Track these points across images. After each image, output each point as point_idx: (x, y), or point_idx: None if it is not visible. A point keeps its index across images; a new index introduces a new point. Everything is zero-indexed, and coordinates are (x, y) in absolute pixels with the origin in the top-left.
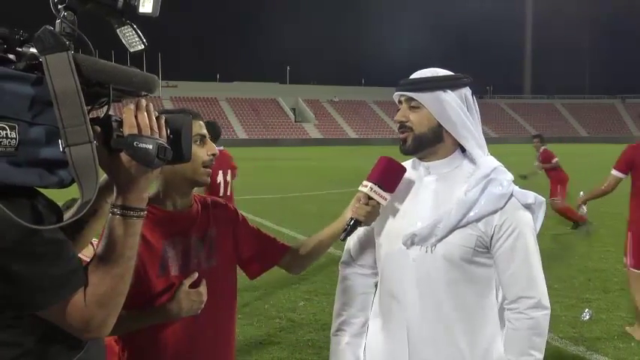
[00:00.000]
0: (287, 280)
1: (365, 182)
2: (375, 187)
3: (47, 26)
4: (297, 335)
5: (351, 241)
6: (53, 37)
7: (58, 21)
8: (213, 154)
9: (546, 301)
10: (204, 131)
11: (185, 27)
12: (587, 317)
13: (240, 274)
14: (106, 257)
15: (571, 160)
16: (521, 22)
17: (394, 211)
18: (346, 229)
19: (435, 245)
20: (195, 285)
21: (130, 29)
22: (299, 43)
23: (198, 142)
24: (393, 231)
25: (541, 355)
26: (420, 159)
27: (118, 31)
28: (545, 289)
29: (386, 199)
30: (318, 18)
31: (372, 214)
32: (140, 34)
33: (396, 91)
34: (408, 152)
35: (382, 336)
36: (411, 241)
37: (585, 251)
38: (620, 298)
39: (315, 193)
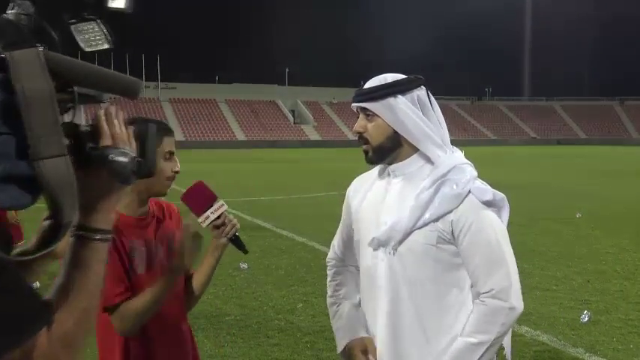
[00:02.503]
0: (286, 282)
1: (200, 219)
2: (209, 212)
3: (5, 15)
4: (296, 337)
5: (335, 240)
6: (16, 29)
7: (12, 11)
8: (177, 172)
9: (504, 295)
10: (174, 148)
11: (184, 28)
12: (586, 319)
13: (231, 279)
14: (69, 288)
15: (569, 162)
16: (520, 24)
17: (366, 215)
18: (237, 246)
19: (397, 247)
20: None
21: (93, 24)
22: (298, 44)
23: (167, 158)
24: (364, 234)
25: (485, 340)
26: (386, 164)
27: (72, 27)
28: (507, 283)
29: (220, 207)
30: (317, 20)
31: (231, 222)
32: (105, 30)
33: (352, 102)
34: (372, 162)
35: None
36: (377, 243)
37: (584, 253)
38: (620, 300)
39: (313, 195)
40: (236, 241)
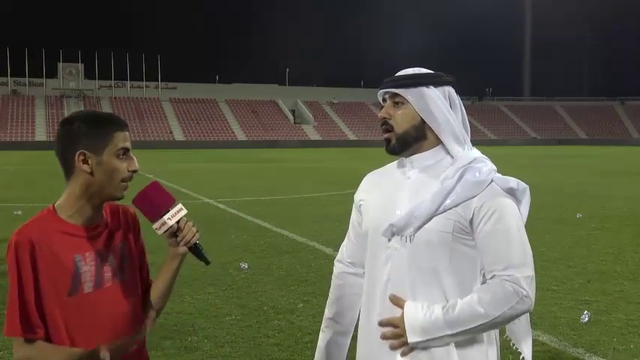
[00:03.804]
0: (286, 282)
1: (156, 225)
2: (165, 217)
3: None
4: (296, 337)
5: (345, 242)
6: None
7: None
8: (134, 171)
9: (525, 284)
10: (129, 144)
11: (184, 28)
12: (586, 319)
13: (231, 279)
14: None
15: (570, 162)
16: (520, 24)
17: (378, 206)
18: (197, 256)
19: (414, 234)
20: (104, 301)
21: None
22: (298, 44)
23: (121, 156)
24: (376, 223)
25: (489, 314)
26: (406, 156)
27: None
28: (529, 273)
29: (179, 211)
30: (318, 20)
31: (189, 228)
32: None
33: (380, 88)
34: (393, 152)
35: (366, 329)
36: (391, 231)
37: (584, 253)
38: (620, 300)
39: (314, 195)
40: (196, 250)
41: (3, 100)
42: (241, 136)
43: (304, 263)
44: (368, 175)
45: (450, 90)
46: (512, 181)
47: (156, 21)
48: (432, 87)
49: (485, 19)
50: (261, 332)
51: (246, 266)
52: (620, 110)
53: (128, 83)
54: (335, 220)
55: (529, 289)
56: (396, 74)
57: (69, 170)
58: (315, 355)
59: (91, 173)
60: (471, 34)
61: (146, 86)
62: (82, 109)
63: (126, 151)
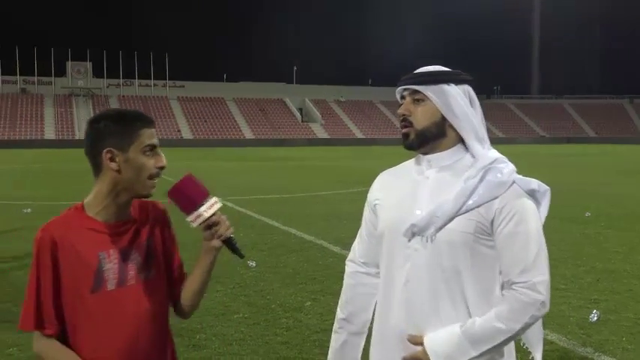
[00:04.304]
0: (293, 280)
1: (190, 217)
2: (200, 210)
3: None
4: (304, 335)
5: (356, 241)
6: None
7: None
8: (162, 167)
9: (542, 288)
10: (155, 141)
11: (192, 27)
12: (595, 318)
13: (239, 278)
14: None
15: (579, 161)
16: (528, 22)
17: (396, 205)
18: (231, 250)
19: (435, 234)
20: (127, 299)
21: None
22: (306, 43)
23: (147, 153)
24: (395, 223)
25: (511, 328)
26: (423, 154)
27: None
28: (545, 277)
29: (213, 204)
30: (325, 18)
31: (224, 222)
32: None
33: (399, 85)
34: (411, 147)
35: (382, 331)
36: (411, 232)
37: (593, 252)
38: (629, 299)
39: (322, 193)
40: (230, 243)
41: (12, 98)
42: (249, 134)
43: (312, 261)
44: (382, 174)
45: (469, 89)
46: (534, 183)
47: (164, 20)
48: (452, 84)
49: (493, 17)
50: (269, 330)
51: (254, 264)
52: (629, 108)
53: (136, 82)
54: (343, 219)
55: (546, 293)
56: (415, 71)
57: (97, 168)
58: (329, 357)
59: (119, 171)
60: (480, 32)
61: (154, 85)
62: (91, 107)
63: (153, 147)
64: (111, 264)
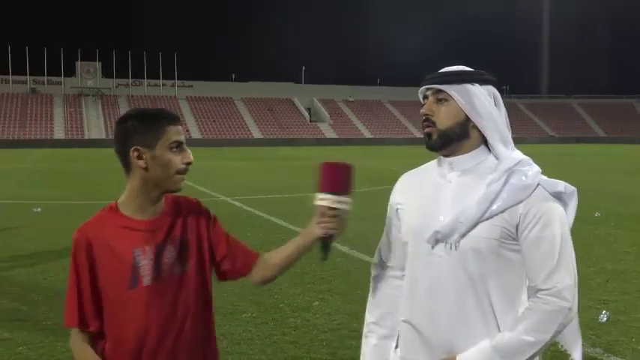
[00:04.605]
0: (302, 280)
1: (321, 195)
2: (334, 197)
3: None
4: (312, 335)
5: (381, 241)
6: None
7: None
8: (189, 163)
9: (568, 294)
10: (182, 138)
11: (200, 27)
12: (605, 319)
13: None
14: None
15: (588, 161)
16: (537, 22)
17: (418, 210)
18: (322, 247)
19: (459, 241)
20: (164, 293)
21: None
22: (314, 42)
23: (174, 149)
24: (418, 230)
25: (541, 339)
26: (445, 155)
27: None
28: (571, 282)
29: (347, 203)
30: (334, 17)
31: (341, 223)
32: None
33: (422, 85)
34: (434, 148)
35: (408, 336)
36: (435, 238)
37: (603, 252)
38: (639, 300)
39: None
40: (326, 243)
41: (22, 98)
42: (257, 134)
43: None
44: (403, 176)
45: (493, 89)
46: (560, 185)
47: (173, 20)
48: (476, 84)
49: (502, 16)
50: (277, 330)
51: None
52: (639, 108)
53: (145, 81)
54: (351, 218)
55: (572, 299)
56: (439, 71)
57: (127, 167)
58: None
59: (146, 168)
60: (488, 32)
61: (163, 84)
62: (100, 107)
63: (179, 144)
64: (146, 260)
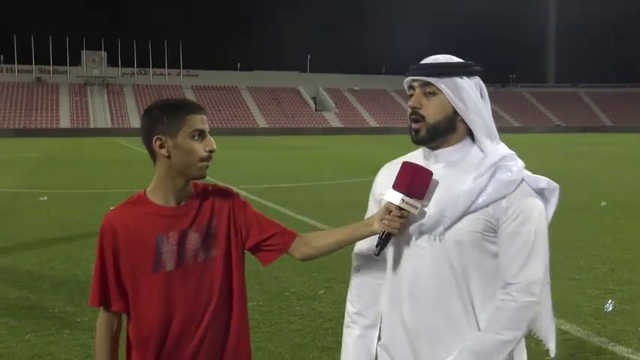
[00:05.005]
0: (307, 269)
1: (393, 192)
2: (406, 198)
3: None
4: (318, 323)
5: None
6: None
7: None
8: (212, 151)
9: (535, 288)
10: (204, 126)
11: (206, 16)
12: (611, 308)
13: (254, 265)
14: None
15: (595, 150)
16: (544, 10)
17: None
18: (379, 243)
19: (444, 233)
20: (188, 279)
21: None
22: (319, 31)
23: (196, 138)
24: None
25: (516, 336)
26: (430, 148)
27: None
28: (539, 276)
29: (417, 208)
30: (339, 6)
31: (404, 225)
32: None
33: (408, 75)
34: (421, 142)
35: (390, 326)
36: (419, 230)
37: (609, 241)
38: None
39: (335, 182)
40: (384, 240)
41: (28, 87)
42: (262, 123)
43: None
44: (386, 166)
45: (480, 81)
46: (543, 181)
47: (178, 8)
48: (464, 77)
49: (509, 4)
50: (282, 318)
51: None
52: None
53: (150, 70)
54: (356, 207)
55: (540, 293)
56: (425, 61)
57: (153, 155)
58: (343, 353)
59: (169, 156)
60: (495, 21)
61: (168, 74)
62: (105, 96)
63: (201, 132)
64: (169, 245)
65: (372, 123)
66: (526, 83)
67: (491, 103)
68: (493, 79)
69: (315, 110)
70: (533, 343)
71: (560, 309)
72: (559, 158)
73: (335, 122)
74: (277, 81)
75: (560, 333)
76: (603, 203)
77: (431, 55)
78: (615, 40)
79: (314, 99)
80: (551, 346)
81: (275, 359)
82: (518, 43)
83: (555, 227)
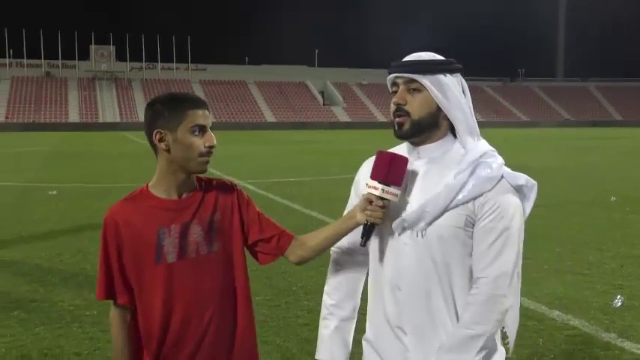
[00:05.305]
0: (315, 263)
1: (372, 183)
2: (385, 187)
3: None
4: None
5: None
6: None
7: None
8: (211, 146)
9: (503, 282)
10: (205, 122)
11: (214, 10)
12: (619, 304)
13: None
14: None
15: (604, 144)
16: (554, 4)
17: None
18: (364, 233)
19: (426, 229)
20: (190, 272)
21: None
22: (327, 26)
23: (196, 133)
24: (384, 217)
25: (485, 330)
26: (413, 144)
27: None
28: (507, 271)
29: (397, 195)
30: (348, 0)
31: (385, 214)
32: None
33: (392, 72)
34: (403, 136)
35: (375, 321)
36: (402, 226)
37: (618, 237)
38: None
39: (343, 177)
40: (368, 230)
41: (37, 82)
42: (270, 117)
43: None
44: (366, 162)
45: (461, 78)
46: (522, 179)
47: (186, 3)
48: (447, 74)
49: None
50: (290, 312)
51: None
52: None
53: (159, 65)
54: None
55: (506, 287)
56: (408, 59)
57: (154, 149)
58: (319, 345)
59: (168, 150)
60: (504, 14)
61: (176, 68)
62: (114, 91)
63: (202, 127)
64: (171, 238)
65: (380, 117)
66: (535, 77)
67: (499, 97)
68: (502, 73)
69: (323, 104)
70: (541, 339)
71: (568, 304)
72: (568, 153)
73: (343, 117)
74: (285, 75)
75: (568, 328)
76: (613, 198)
77: (438, 48)
78: (625, 34)
79: (322, 93)
80: (511, 339)
81: (283, 353)
82: (527, 37)
83: (563, 222)
